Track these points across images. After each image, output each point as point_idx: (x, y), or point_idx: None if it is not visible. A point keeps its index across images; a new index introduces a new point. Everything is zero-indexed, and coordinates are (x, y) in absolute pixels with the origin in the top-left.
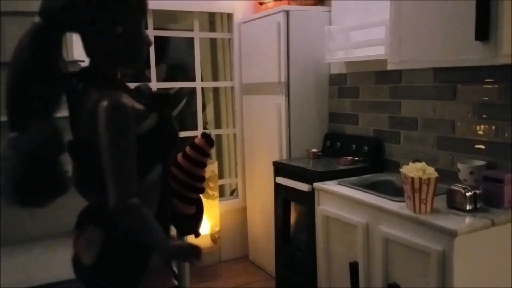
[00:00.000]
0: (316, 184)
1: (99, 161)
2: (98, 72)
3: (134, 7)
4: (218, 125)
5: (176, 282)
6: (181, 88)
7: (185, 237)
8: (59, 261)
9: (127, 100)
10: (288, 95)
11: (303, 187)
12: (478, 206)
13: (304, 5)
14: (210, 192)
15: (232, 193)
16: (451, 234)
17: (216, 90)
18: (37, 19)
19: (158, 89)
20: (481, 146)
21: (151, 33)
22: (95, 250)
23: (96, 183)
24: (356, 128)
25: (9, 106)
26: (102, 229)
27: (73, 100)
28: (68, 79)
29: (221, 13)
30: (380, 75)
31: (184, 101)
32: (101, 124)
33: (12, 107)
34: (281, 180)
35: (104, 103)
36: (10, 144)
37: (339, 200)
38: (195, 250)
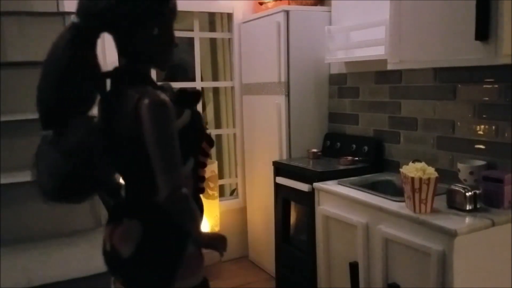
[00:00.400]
0: (316, 184)
1: (142, 155)
2: (133, 71)
3: (169, 9)
4: (218, 125)
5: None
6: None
7: None
8: (59, 261)
9: (164, 96)
10: (288, 95)
11: (303, 187)
12: (478, 206)
13: (304, 5)
14: (210, 192)
15: (232, 193)
16: (451, 234)
17: (216, 90)
18: (74, 18)
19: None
20: (481, 146)
21: None
22: (133, 242)
23: (137, 177)
24: (356, 128)
25: (44, 105)
26: (138, 222)
27: (108, 99)
28: (103, 78)
29: (221, 13)
30: (380, 75)
31: None
32: (146, 121)
33: (48, 106)
34: (281, 180)
35: (146, 100)
36: (47, 142)
37: (339, 200)
38: (223, 240)
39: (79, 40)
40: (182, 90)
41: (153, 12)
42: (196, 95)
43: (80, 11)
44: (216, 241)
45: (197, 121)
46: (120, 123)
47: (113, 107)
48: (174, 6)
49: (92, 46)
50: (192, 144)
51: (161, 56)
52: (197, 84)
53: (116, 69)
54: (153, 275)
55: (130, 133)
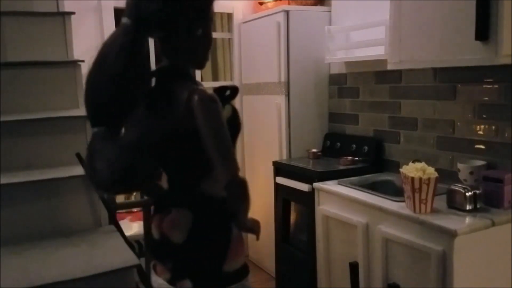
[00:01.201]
0: (316, 184)
1: (190, 148)
2: (177, 70)
3: (210, 11)
4: None
5: None
6: None
7: None
8: (59, 261)
9: (211, 92)
10: (288, 95)
11: (303, 187)
12: (478, 206)
13: (304, 5)
14: None
15: None
16: (451, 234)
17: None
18: (126, 20)
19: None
20: (481, 146)
21: None
22: (185, 229)
23: (183, 169)
24: (356, 128)
25: (97, 103)
26: (188, 210)
27: (155, 97)
28: (152, 77)
29: (221, 13)
30: (380, 75)
31: None
32: (200, 116)
33: (101, 105)
34: (281, 180)
35: (197, 97)
36: (100, 138)
37: (339, 200)
38: (259, 225)
39: (132, 40)
40: (222, 87)
41: (201, 14)
42: (234, 91)
43: (130, 14)
44: (255, 225)
45: (236, 116)
46: (167, 119)
47: (161, 104)
48: (213, 8)
49: (142, 46)
50: (232, 137)
51: (203, 55)
52: None
53: (160, 68)
54: (204, 259)
55: (179, 128)
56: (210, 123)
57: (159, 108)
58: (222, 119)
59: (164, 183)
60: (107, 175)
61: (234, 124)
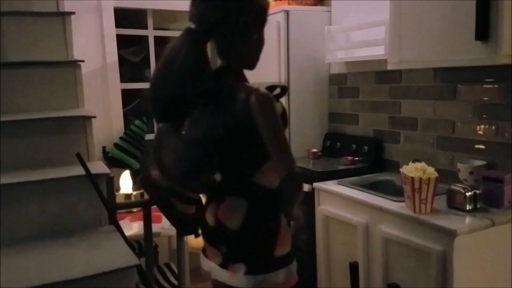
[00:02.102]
0: (316, 184)
1: (246, 143)
2: (234, 71)
3: (266, 17)
4: None
5: None
6: None
7: (184, 237)
8: (59, 261)
9: (266, 91)
10: (288, 95)
11: (303, 187)
12: (478, 206)
13: (304, 5)
14: None
15: None
16: (451, 234)
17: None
18: (191, 24)
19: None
20: (481, 146)
21: (151, 33)
22: (240, 216)
23: (239, 161)
24: (356, 128)
25: (164, 101)
26: (242, 198)
27: (215, 95)
28: (212, 77)
29: None
30: (380, 75)
31: None
32: (259, 113)
33: (168, 102)
34: None
35: (254, 96)
36: (166, 133)
37: (339, 200)
38: (302, 216)
39: (197, 43)
40: (272, 86)
41: (257, 21)
42: (283, 90)
43: (195, 19)
44: (299, 216)
45: (284, 114)
46: (227, 116)
47: (218, 103)
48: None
49: (205, 49)
50: None
51: (256, 57)
52: None
53: (218, 69)
54: (258, 244)
55: (237, 124)
56: (267, 120)
57: (219, 106)
58: (277, 115)
59: (216, 175)
60: (176, 167)
61: (283, 121)
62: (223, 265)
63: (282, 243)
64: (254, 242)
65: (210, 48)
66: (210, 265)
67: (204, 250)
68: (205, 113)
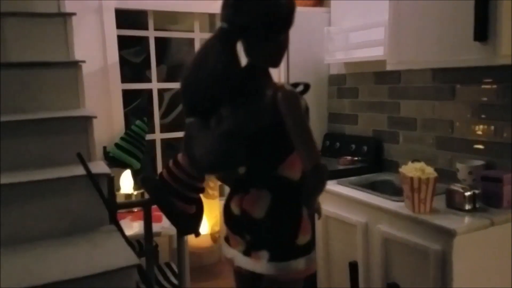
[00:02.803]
0: None
1: (272, 137)
2: (260, 69)
3: (292, 19)
4: None
5: None
6: None
7: (185, 237)
8: (60, 261)
9: (292, 88)
10: None
11: None
12: (477, 206)
13: (304, 6)
14: (210, 192)
15: None
16: (450, 234)
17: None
18: (223, 24)
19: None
20: (480, 146)
21: (151, 34)
22: (264, 206)
23: (264, 155)
24: (356, 128)
25: (195, 97)
26: (266, 190)
27: (243, 92)
28: (241, 74)
29: None
30: (379, 76)
31: None
32: (286, 109)
33: (199, 98)
34: None
35: (281, 93)
36: (196, 127)
37: (338, 200)
38: (321, 207)
39: (226, 43)
40: (295, 83)
41: (284, 23)
42: (306, 87)
43: (228, 20)
44: (319, 208)
45: (307, 110)
46: (254, 112)
47: (246, 99)
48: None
49: (235, 48)
50: None
51: (281, 57)
52: None
53: (245, 67)
54: (281, 233)
55: (264, 120)
56: (293, 115)
57: (247, 102)
58: (303, 111)
59: (240, 167)
60: (205, 159)
61: (307, 118)
62: (246, 253)
63: (303, 232)
64: (277, 230)
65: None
66: (233, 253)
67: (227, 239)
68: (233, 108)
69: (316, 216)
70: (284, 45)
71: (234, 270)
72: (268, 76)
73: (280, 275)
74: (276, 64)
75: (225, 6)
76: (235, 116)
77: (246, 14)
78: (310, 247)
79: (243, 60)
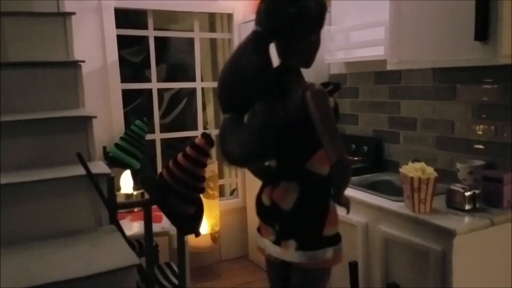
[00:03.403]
0: None
1: (301, 133)
2: (292, 69)
3: (323, 21)
4: (218, 125)
5: None
6: (181, 89)
7: (185, 237)
8: (60, 261)
9: (321, 87)
10: None
11: None
12: (477, 206)
13: None
14: (210, 192)
15: (232, 193)
16: (450, 234)
17: (216, 90)
18: (257, 28)
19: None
20: (480, 146)
21: (151, 33)
22: (293, 198)
23: (293, 149)
24: (356, 128)
25: (231, 94)
26: (295, 182)
27: (275, 90)
28: (273, 74)
29: (221, 14)
30: (379, 75)
31: (184, 101)
32: (314, 106)
33: (235, 96)
34: None
35: (310, 91)
36: (230, 122)
37: None
38: (349, 202)
39: (260, 44)
40: (326, 82)
41: (315, 24)
42: (336, 86)
43: (261, 23)
44: (348, 202)
45: (337, 108)
46: (285, 109)
47: (277, 97)
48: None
49: (268, 49)
50: None
51: (312, 57)
52: (197, 85)
53: (278, 67)
54: (307, 223)
55: (294, 116)
56: (320, 112)
57: (278, 100)
58: (330, 109)
59: (271, 161)
60: (238, 151)
61: (335, 114)
62: (276, 242)
63: (330, 224)
64: (304, 221)
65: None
66: (265, 242)
67: (259, 229)
68: (266, 105)
69: (345, 211)
70: (315, 45)
71: (266, 259)
72: (299, 76)
73: (307, 263)
74: (307, 64)
75: (258, 11)
76: (266, 112)
77: (277, 17)
78: (337, 238)
79: (276, 61)
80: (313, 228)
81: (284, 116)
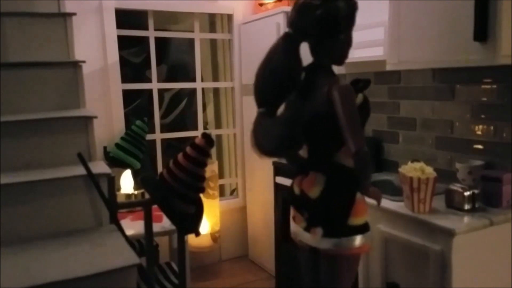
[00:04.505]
0: None
1: (328, 126)
2: (322, 66)
3: (353, 20)
4: (218, 125)
5: None
6: (181, 89)
7: (185, 236)
8: (60, 260)
9: (347, 84)
10: None
11: None
12: (476, 205)
13: None
14: (211, 192)
15: (232, 192)
16: (450, 234)
17: (216, 90)
18: (289, 30)
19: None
20: (480, 146)
21: (151, 34)
22: (320, 188)
23: (321, 142)
24: None
25: (265, 91)
26: (322, 174)
27: (305, 87)
28: (303, 72)
29: (221, 14)
30: (379, 76)
31: (184, 101)
32: (338, 101)
33: (268, 92)
34: (280, 179)
35: (336, 87)
36: (263, 116)
37: None
38: (380, 195)
39: (291, 46)
40: (356, 79)
41: (345, 24)
42: (366, 83)
43: (292, 25)
44: (377, 194)
45: (367, 103)
46: (312, 103)
47: (306, 93)
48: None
49: (299, 49)
50: (362, 119)
51: (344, 54)
52: (197, 85)
53: (309, 65)
54: (334, 212)
55: (321, 111)
56: (344, 107)
57: (307, 95)
58: (354, 104)
59: (303, 153)
60: (268, 143)
61: (366, 110)
62: (307, 229)
63: (356, 214)
64: (329, 210)
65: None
66: (297, 228)
67: (293, 217)
68: (296, 101)
69: (375, 203)
70: (347, 43)
71: (298, 244)
72: (330, 73)
73: (333, 250)
74: (339, 62)
75: (292, 11)
76: (295, 107)
77: (307, 19)
78: (364, 228)
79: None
80: (338, 216)
81: (311, 111)
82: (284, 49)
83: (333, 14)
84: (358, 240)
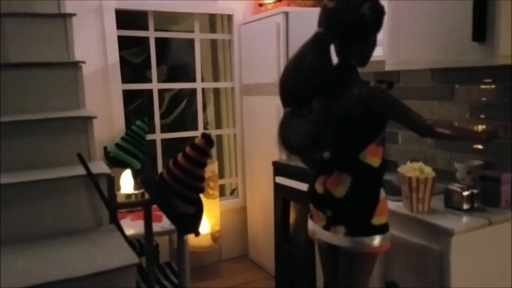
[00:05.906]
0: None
1: (355, 127)
2: (350, 68)
3: (381, 23)
4: (218, 126)
5: None
6: (181, 89)
7: (185, 236)
8: (60, 260)
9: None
10: None
11: (303, 186)
12: (475, 205)
13: (304, 6)
14: (211, 192)
15: (232, 192)
16: (449, 234)
17: (216, 91)
18: (320, 30)
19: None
20: (479, 146)
21: (151, 34)
22: (345, 187)
23: (348, 142)
24: None
25: (293, 90)
26: (348, 173)
27: (334, 87)
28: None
29: (221, 15)
30: (378, 76)
31: (184, 101)
32: (373, 101)
33: (296, 91)
34: (280, 179)
35: (365, 89)
36: (291, 115)
37: None
38: (494, 128)
39: (322, 45)
40: (380, 80)
41: (373, 27)
42: (390, 84)
43: (324, 26)
44: (492, 130)
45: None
46: (343, 104)
47: (336, 93)
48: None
49: (329, 49)
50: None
51: (369, 56)
52: (198, 85)
53: (336, 65)
54: (358, 211)
55: (350, 112)
56: (386, 103)
57: (337, 96)
58: (393, 96)
59: (325, 153)
60: (297, 141)
61: None
62: (326, 227)
63: (379, 213)
64: (354, 209)
65: None
66: (315, 227)
67: (311, 215)
68: (326, 100)
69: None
70: (372, 46)
71: (317, 243)
72: (356, 73)
73: (354, 248)
74: (363, 63)
75: (322, 14)
76: (326, 106)
77: (338, 22)
78: (385, 228)
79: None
80: (362, 216)
81: (341, 111)
82: (316, 49)
83: (363, 20)
84: (378, 239)
